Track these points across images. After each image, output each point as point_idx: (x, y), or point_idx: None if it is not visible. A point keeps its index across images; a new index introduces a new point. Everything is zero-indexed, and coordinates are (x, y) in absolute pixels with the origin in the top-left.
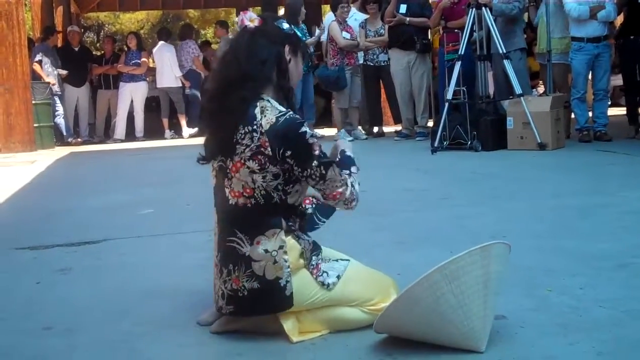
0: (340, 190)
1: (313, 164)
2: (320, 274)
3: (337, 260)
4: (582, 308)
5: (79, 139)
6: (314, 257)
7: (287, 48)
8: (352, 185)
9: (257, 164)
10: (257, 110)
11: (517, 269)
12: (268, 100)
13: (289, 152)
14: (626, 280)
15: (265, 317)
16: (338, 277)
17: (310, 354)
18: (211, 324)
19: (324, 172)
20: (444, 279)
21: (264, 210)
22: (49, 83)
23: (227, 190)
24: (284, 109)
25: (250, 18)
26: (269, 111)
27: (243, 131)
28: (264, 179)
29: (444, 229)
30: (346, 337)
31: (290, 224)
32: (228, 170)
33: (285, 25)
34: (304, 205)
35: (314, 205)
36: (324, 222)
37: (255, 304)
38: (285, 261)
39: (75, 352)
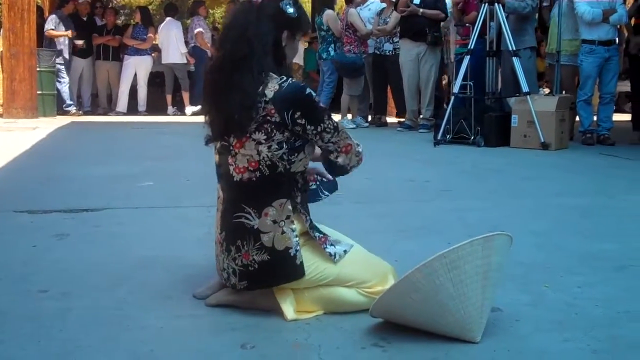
0: (350, 142)
1: (325, 118)
2: (327, 245)
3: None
4: (579, 306)
5: (79, 111)
6: (317, 232)
7: (285, 33)
8: (360, 151)
9: (263, 134)
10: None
11: (516, 264)
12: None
13: (298, 113)
14: (624, 281)
15: (262, 294)
16: (345, 251)
17: (304, 334)
18: (207, 297)
19: (335, 124)
20: (444, 267)
21: (269, 181)
22: (54, 51)
23: (231, 168)
24: (282, 76)
25: None
26: (269, 81)
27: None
28: (269, 148)
29: (444, 220)
30: (341, 319)
31: (293, 195)
32: (231, 148)
33: (290, 10)
34: (308, 183)
35: (318, 183)
36: (327, 195)
37: (267, 276)
38: (293, 230)
39: (69, 315)
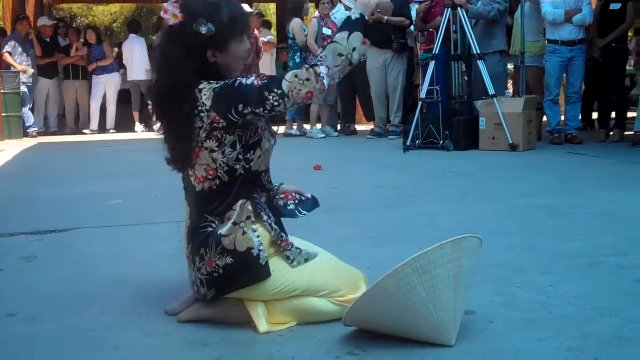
0: (308, 89)
1: (265, 94)
2: (288, 248)
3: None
4: (552, 305)
5: (35, 130)
6: (282, 235)
7: (209, 52)
8: (319, 73)
9: (214, 141)
10: (196, 91)
11: (487, 265)
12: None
13: (240, 106)
14: (595, 278)
15: (234, 307)
16: (306, 260)
17: (277, 346)
18: (179, 313)
19: (278, 90)
20: (415, 272)
21: (229, 186)
22: (18, 72)
23: (192, 179)
24: (217, 81)
25: (173, 13)
26: (206, 88)
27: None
28: (223, 154)
29: (415, 226)
30: (315, 329)
31: (256, 196)
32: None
33: (204, 29)
34: (285, 201)
35: (296, 202)
36: (305, 214)
37: (232, 280)
38: (254, 231)
39: (39, 339)
